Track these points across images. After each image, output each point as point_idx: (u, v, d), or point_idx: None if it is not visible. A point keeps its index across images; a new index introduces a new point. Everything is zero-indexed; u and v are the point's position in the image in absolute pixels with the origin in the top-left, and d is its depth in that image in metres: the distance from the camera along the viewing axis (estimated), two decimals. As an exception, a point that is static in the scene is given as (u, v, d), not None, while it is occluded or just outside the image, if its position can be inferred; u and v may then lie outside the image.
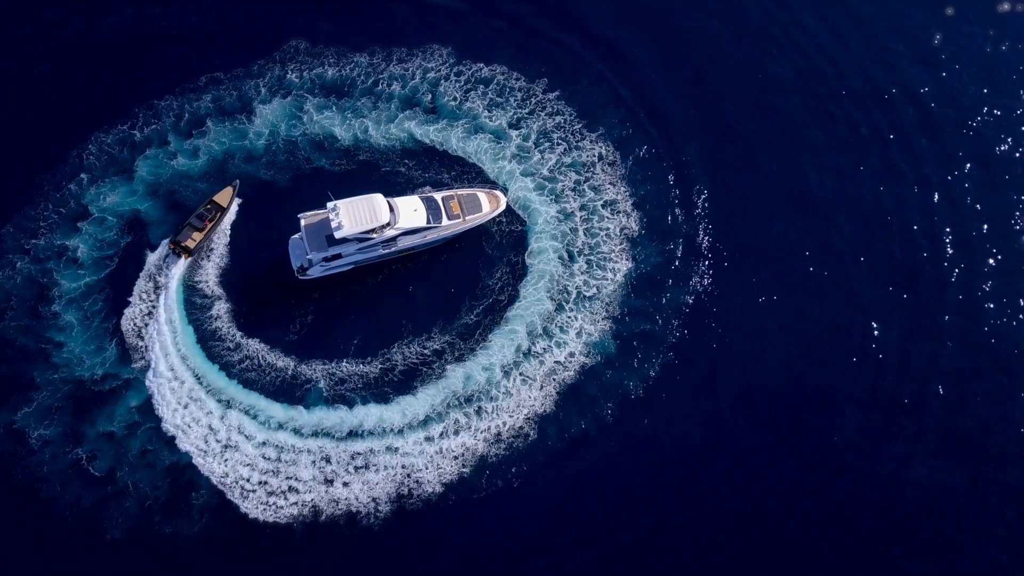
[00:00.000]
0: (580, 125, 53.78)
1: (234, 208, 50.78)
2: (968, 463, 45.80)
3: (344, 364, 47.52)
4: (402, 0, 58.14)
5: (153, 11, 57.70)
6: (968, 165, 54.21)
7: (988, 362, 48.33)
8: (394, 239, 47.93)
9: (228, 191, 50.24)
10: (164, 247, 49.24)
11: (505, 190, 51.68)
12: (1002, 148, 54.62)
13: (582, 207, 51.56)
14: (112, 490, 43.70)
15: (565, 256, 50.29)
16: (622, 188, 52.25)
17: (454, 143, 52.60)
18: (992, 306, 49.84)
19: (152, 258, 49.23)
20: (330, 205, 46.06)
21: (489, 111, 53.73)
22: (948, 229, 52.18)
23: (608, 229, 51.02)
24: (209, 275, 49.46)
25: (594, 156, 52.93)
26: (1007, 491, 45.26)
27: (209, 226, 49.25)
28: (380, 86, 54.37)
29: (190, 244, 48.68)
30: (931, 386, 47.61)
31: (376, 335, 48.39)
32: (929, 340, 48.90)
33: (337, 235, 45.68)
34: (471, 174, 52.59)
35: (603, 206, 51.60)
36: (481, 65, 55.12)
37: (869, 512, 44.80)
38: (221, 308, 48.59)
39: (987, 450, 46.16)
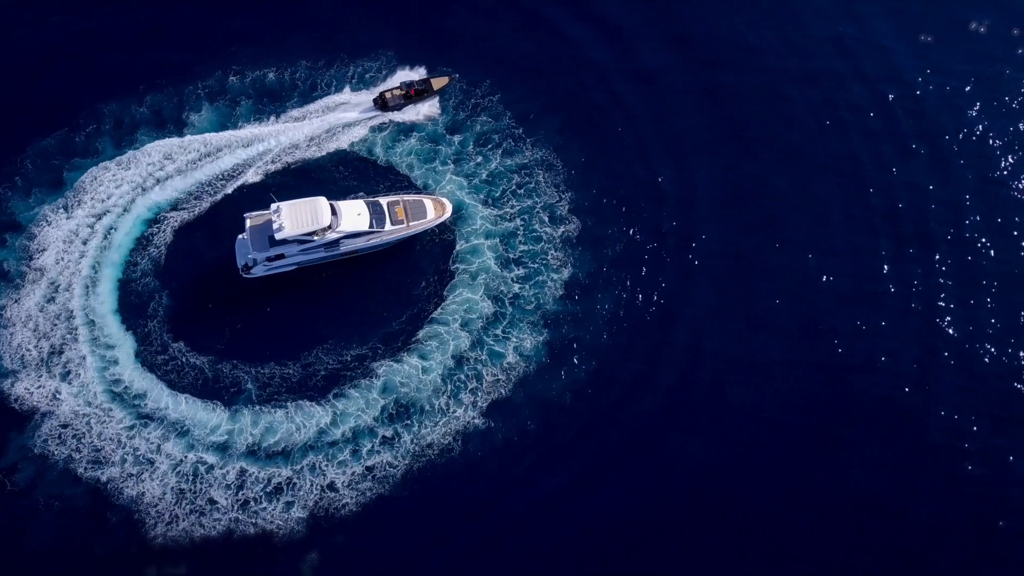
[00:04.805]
0: (520, 129, 53.76)
1: (435, 100, 54.07)
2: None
3: (271, 367, 47.20)
4: (352, 6, 58.49)
5: (101, 10, 57.77)
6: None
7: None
8: (337, 242, 48.04)
9: (445, 79, 54.38)
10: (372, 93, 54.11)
11: (428, 190, 51.80)
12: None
13: (520, 212, 51.36)
14: (30, 505, 42.97)
15: (502, 261, 50.01)
16: (561, 193, 52.11)
17: (379, 149, 52.58)
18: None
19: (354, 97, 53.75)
20: (273, 207, 46.36)
21: (427, 114, 53.77)
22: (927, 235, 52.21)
23: (546, 233, 50.80)
24: (149, 272, 49.16)
25: (532, 160, 52.89)
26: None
27: (413, 95, 53.35)
28: (318, 89, 54.33)
29: (390, 103, 53.15)
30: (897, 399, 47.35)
31: (307, 339, 48.29)
32: (885, 346, 48.82)
33: (278, 236, 45.97)
34: (404, 181, 52.41)
35: (542, 209, 51.45)
36: (422, 68, 55.24)
37: (816, 512, 44.55)
38: (158, 307, 48.38)
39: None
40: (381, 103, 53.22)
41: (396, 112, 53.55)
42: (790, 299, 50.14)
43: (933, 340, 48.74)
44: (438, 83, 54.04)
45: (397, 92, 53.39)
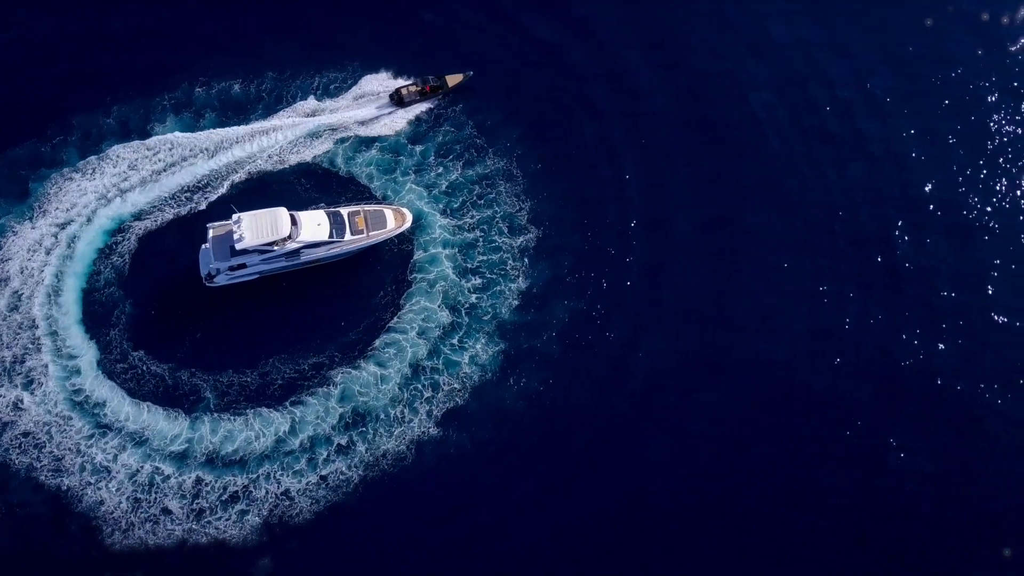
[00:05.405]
0: (482, 139, 54.17)
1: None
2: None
3: (230, 375, 47.68)
4: (317, 16, 59.02)
5: (76, 18, 58.17)
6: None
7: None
8: (297, 251, 48.69)
9: (459, 76, 55.26)
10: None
11: (388, 200, 52.29)
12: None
13: (479, 222, 51.82)
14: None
15: (459, 271, 50.51)
16: (521, 202, 52.55)
17: (340, 160, 53.02)
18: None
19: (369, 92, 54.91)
20: (234, 217, 46.99)
21: (389, 123, 54.28)
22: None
23: (504, 243, 51.29)
24: (113, 282, 49.71)
25: (493, 170, 53.30)
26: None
27: (428, 92, 54.56)
28: (283, 101, 54.80)
29: (406, 99, 54.37)
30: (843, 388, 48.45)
31: (267, 347, 48.63)
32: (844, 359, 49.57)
33: (238, 246, 46.66)
34: (365, 191, 52.88)
35: (501, 220, 51.91)
36: (384, 76, 55.82)
37: (787, 511, 45.51)
38: (121, 316, 48.91)
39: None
40: (397, 99, 54.12)
41: (366, 123, 53.80)
42: (755, 301, 50.78)
43: (891, 343, 49.50)
44: (453, 80, 55.01)
45: (413, 89, 54.22)
